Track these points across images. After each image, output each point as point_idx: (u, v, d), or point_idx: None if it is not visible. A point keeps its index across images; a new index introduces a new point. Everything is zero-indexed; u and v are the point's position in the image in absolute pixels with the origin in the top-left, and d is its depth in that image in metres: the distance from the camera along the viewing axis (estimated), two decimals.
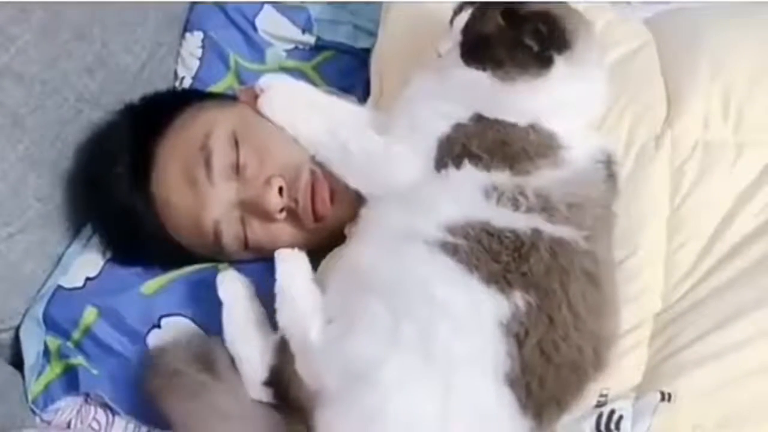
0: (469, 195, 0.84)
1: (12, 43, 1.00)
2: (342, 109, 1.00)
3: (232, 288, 0.95)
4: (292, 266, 0.91)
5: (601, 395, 0.86)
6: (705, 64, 1.00)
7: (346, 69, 1.28)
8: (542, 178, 0.84)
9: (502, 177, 0.84)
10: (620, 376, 0.86)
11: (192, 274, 1.03)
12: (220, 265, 1.03)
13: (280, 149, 0.99)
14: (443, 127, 0.88)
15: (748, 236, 0.91)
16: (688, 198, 0.93)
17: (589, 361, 0.81)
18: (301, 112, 0.99)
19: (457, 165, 0.86)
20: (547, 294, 0.79)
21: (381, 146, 0.92)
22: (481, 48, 0.87)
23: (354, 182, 0.94)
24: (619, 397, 0.86)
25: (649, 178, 0.94)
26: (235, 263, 1.03)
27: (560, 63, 0.85)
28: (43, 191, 1.06)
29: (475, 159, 0.85)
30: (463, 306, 0.80)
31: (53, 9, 1.05)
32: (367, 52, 1.17)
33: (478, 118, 0.87)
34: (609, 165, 0.89)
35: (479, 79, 0.86)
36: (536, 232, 0.81)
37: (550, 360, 0.79)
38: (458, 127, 0.87)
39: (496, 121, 0.87)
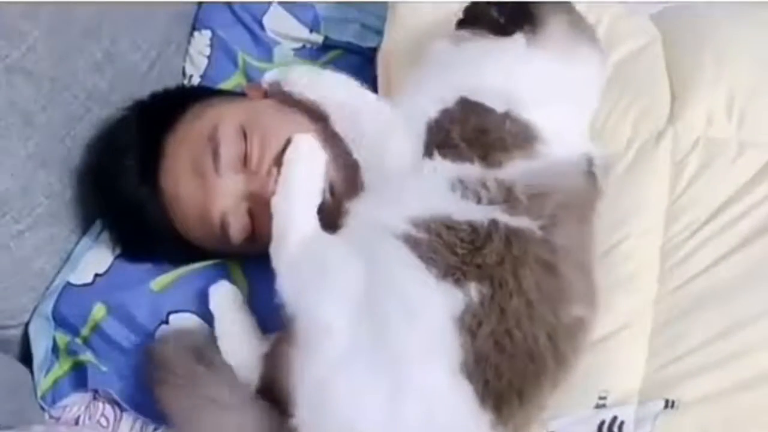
0: (436, 187, 0.85)
1: (22, 40, 1.00)
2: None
3: (223, 300, 0.98)
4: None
5: (601, 397, 0.85)
6: (710, 63, 1.00)
7: (354, 68, 1.28)
8: (512, 169, 0.85)
9: (471, 169, 0.85)
10: (618, 373, 0.86)
11: (200, 271, 1.03)
12: (229, 261, 1.04)
13: (286, 140, 0.99)
14: (432, 113, 0.89)
15: (750, 232, 0.90)
16: (688, 189, 0.94)
17: (546, 350, 0.80)
18: (327, 83, 1.01)
19: (430, 154, 0.88)
20: (501, 284, 0.80)
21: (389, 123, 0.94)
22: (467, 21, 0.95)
23: (359, 154, 0.94)
24: (622, 403, 0.85)
25: (649, 168, 0.95)
26: (243, 259, 1.03)
27: (520, 39, 0.90)
28: (53, 188, 1.06)
29: (450, 149, 0.87)
30: (418, 300, 0.80)
31: (62, 6, 1.05)
32: (375, 51, 1.17)
33: (463, 102, 0.89)
34: (590, 164, 0.90)
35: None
36: (493, 223, 0.82)
37: (503, 350, 0.79)
38: (445, 112, 0.89)
39: (477, 105, 0.88)
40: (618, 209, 0.92)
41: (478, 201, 0.83)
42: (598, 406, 0.85)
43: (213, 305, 0.97)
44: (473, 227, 0.82)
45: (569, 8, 0.98)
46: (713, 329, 0.86)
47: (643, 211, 0.93)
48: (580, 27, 0.97)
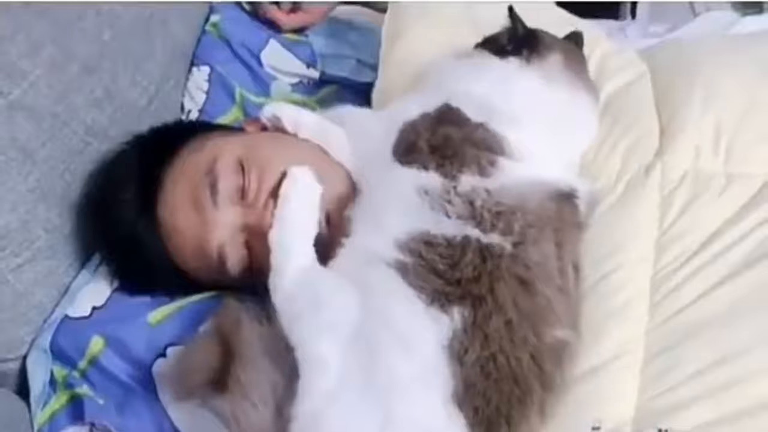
0: (407, 196, 0.88)
1: (23, 78, 1.02)
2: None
3: None
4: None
5: (594, 427, 0.85)
6: (698, 97, 1.02)
7: (350, 102, 1.30)
8: (467, 183, 0.87)
9: (429, 177, 0.88)
10: (612, 402, 0.86)
11: (198, 303, 1.04)
12: (226, 294, 1.04)
13: (282, 173, 1.00)
14: (413, 113, 0.93)
15: (740, 263, 0.91)
16: (677, 221, 0.95)
17: (530, 373, 0.80)
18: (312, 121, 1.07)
19: (397, 155, 0.92)
20: (480, 302, 0.81)
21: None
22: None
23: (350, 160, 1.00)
24: None
25: (638, 201, 0.96)
26: (239, 291, 1.04)
27: (514, 61, 0.95)
28: (52, 222, 1.07)
29: (413, 154, 0.91)
30: (410, 331, 0.81)
31: (63, 44, 1.07)
32: (370, 85, 1.19)
33: (443, 108, 0.93)
34: (571, 193, 0.91)
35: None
36: (466, 239, 0.83)
37: (489, 375, 0.79)
38: (424, 116, 0.93)
39: (455, 112, 0.92)
40: (608, 241, 0.93)
41: (447, 215, 0.85)
42: None
43: None
44: (449, 242, 0.84)
45: (572, 50, 1.02)
46: (704, 360, 0.86)
47: (634, 243, 0.94)
48: (577, 66, 1.01)
